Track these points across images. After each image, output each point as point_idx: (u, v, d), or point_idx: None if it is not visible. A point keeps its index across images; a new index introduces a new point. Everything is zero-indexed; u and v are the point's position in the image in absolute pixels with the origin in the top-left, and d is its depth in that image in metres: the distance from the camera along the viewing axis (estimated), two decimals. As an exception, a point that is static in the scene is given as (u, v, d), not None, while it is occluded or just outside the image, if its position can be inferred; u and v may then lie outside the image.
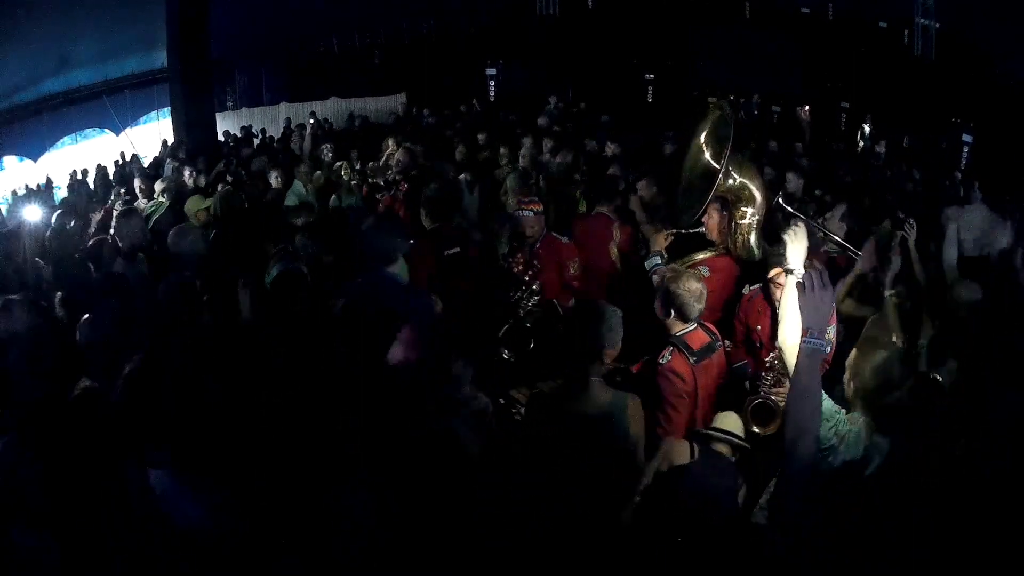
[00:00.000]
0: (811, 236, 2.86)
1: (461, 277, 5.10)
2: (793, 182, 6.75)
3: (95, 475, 2.51)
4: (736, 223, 4.32)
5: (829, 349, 3.78)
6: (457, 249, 5.13)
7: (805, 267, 2.45)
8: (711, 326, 3.77)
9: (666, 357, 3.52)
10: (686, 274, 3.63)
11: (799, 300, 2.31)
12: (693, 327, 3.61)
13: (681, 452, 3.29)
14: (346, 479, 2.27)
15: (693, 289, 3.54)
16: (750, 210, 4.28)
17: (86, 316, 3.24)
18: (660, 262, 4.31)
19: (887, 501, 2.25)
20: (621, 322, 3.20)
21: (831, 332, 4.16)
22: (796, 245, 2.67)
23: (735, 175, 4.22)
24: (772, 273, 3.92)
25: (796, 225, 2.71)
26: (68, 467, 2.54)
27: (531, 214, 4.93)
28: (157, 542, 2.30)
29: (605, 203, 5.83)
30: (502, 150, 8.78)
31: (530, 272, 4.91)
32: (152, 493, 2.41)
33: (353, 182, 7.74)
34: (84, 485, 2.49)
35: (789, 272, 2.68)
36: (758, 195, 4.27)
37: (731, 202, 4.31)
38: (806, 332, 2.26)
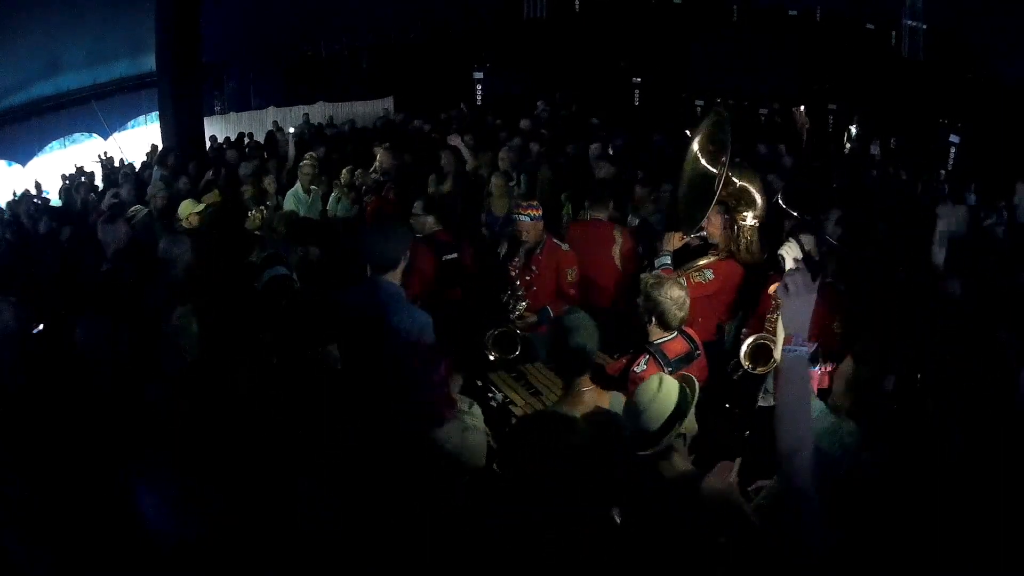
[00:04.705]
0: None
1: (455, 284, 5.04)
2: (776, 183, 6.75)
3: (87, 482, 2.51)
4: (738, 226, 4.32)
5: (820, 369, 3.63)
6: (455, 255, 5.07)
7: (790, 269, 2.15)
8: (693, 333, 3.72)
9: (641, 365, 3.48)
10: (669, 281, 3.59)
11: (782, 304, 2.11)
12: (673, 336, 3.58)
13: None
14: (320, 480, 2.27)
15: (675, 297, 3.50)
16: (751, 213, 4.27)
17: (81, 320, 3.25)
18: (668, 262, 4.30)
19: (888, 502, 2.22)
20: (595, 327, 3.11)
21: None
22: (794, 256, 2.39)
23: (735, 179, 4.22)
24: (771, 289, 3.89)
25: (794, 240, 2.46)
26: (60, 474, 2.54)
27: (528, 219, 4.84)
28: (146, 548, 2.31)
29: (600, 208, 5.45)
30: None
31: (525, 277, 4.88)
32: (140, 499, 2.42)
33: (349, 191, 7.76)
34: (76, 492, 2.49)
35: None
36: (758, 198, 4.26)
37: (732, 207, 4.32)
38: (789, 339, 2.05)
